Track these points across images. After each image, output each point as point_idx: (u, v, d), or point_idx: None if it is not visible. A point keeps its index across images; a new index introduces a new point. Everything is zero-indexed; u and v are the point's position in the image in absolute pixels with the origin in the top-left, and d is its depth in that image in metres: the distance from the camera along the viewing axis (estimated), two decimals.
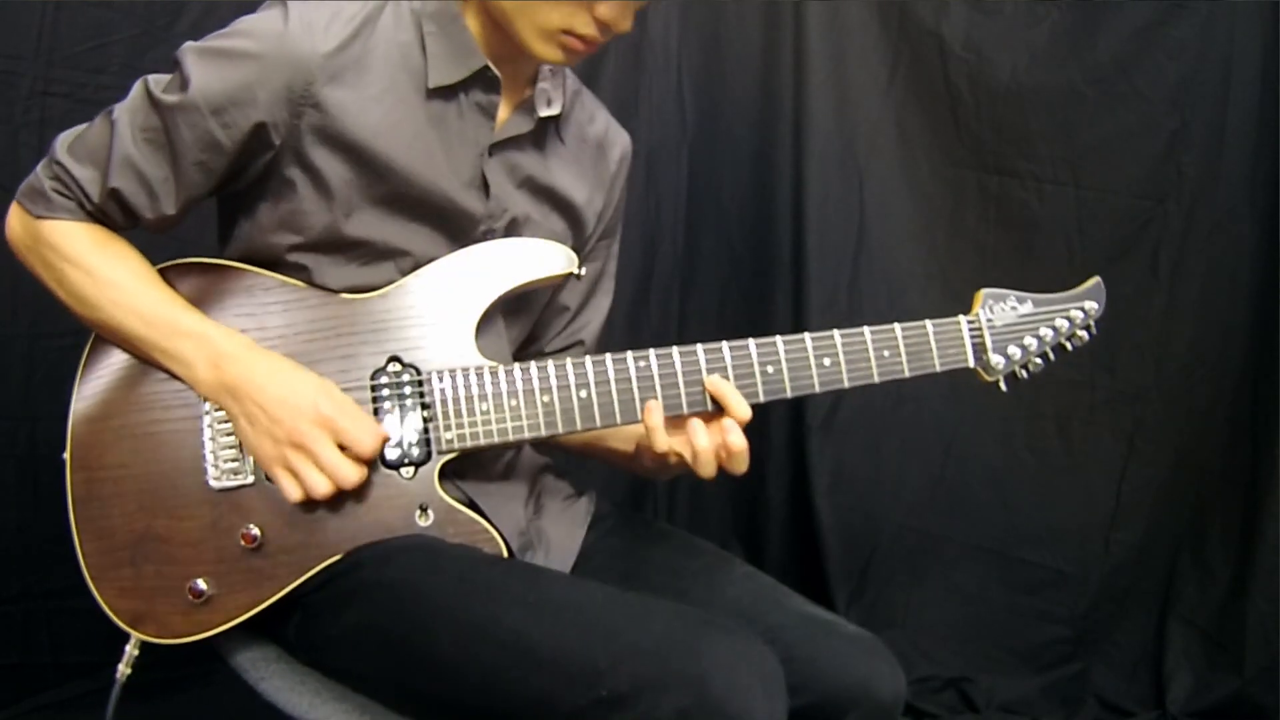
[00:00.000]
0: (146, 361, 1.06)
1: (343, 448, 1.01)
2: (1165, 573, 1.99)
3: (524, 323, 1.20)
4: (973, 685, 1.98)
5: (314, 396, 1.01)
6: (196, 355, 1.02)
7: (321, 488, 1.00)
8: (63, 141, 1.06)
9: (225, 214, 1.13)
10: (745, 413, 1.07)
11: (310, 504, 1.03)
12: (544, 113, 1.13)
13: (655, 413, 1.06)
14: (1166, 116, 1.86)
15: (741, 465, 1.07)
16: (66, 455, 1.05)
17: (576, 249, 1.19)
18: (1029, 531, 2.01)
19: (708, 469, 1.06)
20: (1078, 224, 1.91)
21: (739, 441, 1.06)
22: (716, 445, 1.06)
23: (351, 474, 1.00)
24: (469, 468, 1.11)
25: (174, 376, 1.05)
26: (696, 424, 1.06)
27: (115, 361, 1.07)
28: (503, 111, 1.11)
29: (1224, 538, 1.95)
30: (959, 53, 1.90)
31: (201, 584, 1.02)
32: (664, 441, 1.06)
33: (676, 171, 2.04)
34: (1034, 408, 1.98)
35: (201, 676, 1.67)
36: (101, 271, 1.04)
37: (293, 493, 1.01)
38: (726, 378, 1.08)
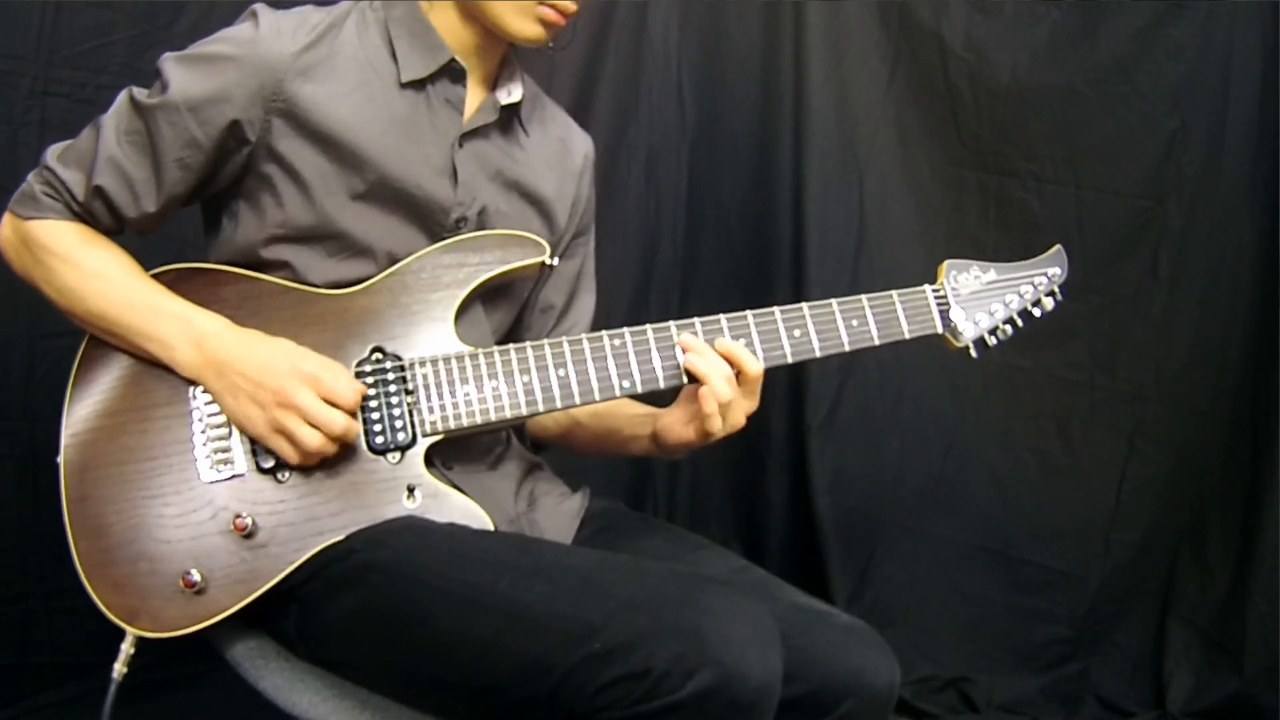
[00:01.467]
0: (132, 351, 1.08)
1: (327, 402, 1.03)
2: (1165, 573, 1.99)
3: (505, 311, 1.23)
4: (973, 685, 1.98)
5: (292, 357, 1.04)
6: (178, 336, 1.06)
7: (313, 441, 1.02)
8: (52, 151, 1.12)
9: (209, 218, 1.17)
10: (757, 367, 1.11)
11: (300, 491, 1.05)
12: (505, 101, 1.19)
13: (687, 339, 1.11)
14: (1166, 116, 1.86)
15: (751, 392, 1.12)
16: (60, 459, 1.06)
17: (553, 243, 1.23)
18: (1029, 531, 2.01)
19: (722, 389, 1.08)
20: (1078, 224, 1.91)
21: (754, 367, 1.10)
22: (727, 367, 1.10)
23: (339, 421, 1.03)
24: (458, 460, 1.13)
25: (158, 364, 1.07)
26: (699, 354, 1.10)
27: (108, 363, 1.09)
28: (469, 107, 1.17)
29: (1224, 538, 1.94)
30: (959, 53, 1.90)
31: (195, 575, 1.02)
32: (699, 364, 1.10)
33: (676, 171, 2.04)
34: (1034, 408, 1.98)
35: (201, 676, 1.67)
36: (86, 263, 1.09)
37: (289, 453, 1.03)
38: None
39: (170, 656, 1.05)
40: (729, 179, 2.04)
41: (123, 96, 1.11)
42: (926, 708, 1.94)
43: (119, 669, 1.07)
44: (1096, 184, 1.90)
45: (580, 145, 1.31)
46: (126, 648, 1.05)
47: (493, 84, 1.21)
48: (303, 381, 1.03)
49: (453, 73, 1.14)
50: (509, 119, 1.21)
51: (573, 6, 1.11)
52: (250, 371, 1.03)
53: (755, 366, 1.11)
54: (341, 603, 1.02)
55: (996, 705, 1.97)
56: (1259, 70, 1.84)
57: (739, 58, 2.00)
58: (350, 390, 1.04)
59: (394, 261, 1.12)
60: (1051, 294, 1.23)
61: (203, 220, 1.18)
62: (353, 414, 1.05)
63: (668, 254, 2.07)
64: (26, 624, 1.71)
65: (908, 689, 1.94)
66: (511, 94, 1.20)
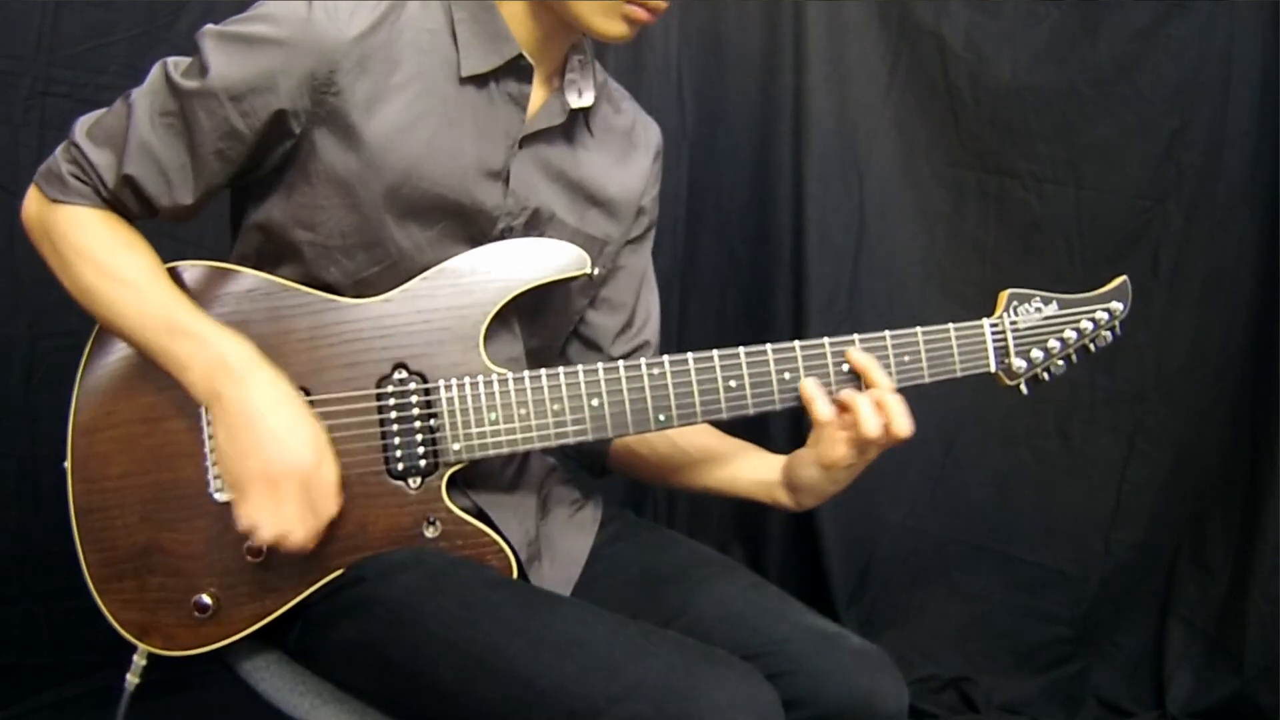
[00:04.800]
0: (147, 358, 1.02)
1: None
2: (1165, 573, 1.99)
3: (550, 325, 1.17)
4: (973, 685, 1.98)
5: (299, 453, 0.95)
6: (193, 358, 0.97)
7: (269, 534, 0.95)
8: (82, 124, 1.04)
9: (238, 202, 1.10)
10: (889, 383, 1.07)
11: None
12: (575, 104, 1.11)
13: (810, 385, 1.07)
14: (1166, 116, 1.86)
15: (902, 426, 1.05)
16: (68, 465, 1.03)
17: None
18: (1029, 531, 2.01)
19: (870, 424, 1.04)
20: (1078, 224, 1.91)
21: (895, 403, 1.05)
22: (873, 401, 1.05)
23: (297, 539, 0.96)
24: (477, 476, 1.09)
25: (171, 375, 1.00)
26: (849, 396, 1.06)
27: (113, 367, 1.04)
28: (533, 104, 1.09)
29: (1224, 538, 1.95)
30: (959, 53, 1.90)
31: (206, 599, 1.01)
32: (826, 409, 1.06)
33: (676, 171, 2.04)
34: (1034, 408, 1.98)
35: (202, 677, 1.67)
36: (108, 265, 1.01)
37: (243, 521, 0.95)
38: (742, 384, 1.06)
39: (175, 660, 1.04)
40: (729, 179, 2.03)
41: (157, 71, 1.01)
42: (926, 708, 1.94)
43: (131, 680, 1.05)
44: (1096, 184, 1.90)
45: (647, 136, 1.23)
46: (138, 659, 1.04)
47: (560, 80, 1.12)
48: (299, 484, 0.95)
49: (519, 69, 1.05)
50: (574, 121, 1.12)
51: (663, 4, 1.02)
52: (256, 431, 0.94)
53: (887, 383, 1.06)
54: (345, 630, 1.01)
55: (996, 705, 1.97)
56: (1259, 70, 1.84)
57: (739, 58, 2.00)
58: (329, 512, 0.98)
59: (429, 265, 1.05)
60: (1111, 329, 1.16)
61: (230, 203, 1.11)
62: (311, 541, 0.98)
63: (668, 254, 2.07)
64: (26, 624, 1.71)
65: (908, 689, 1.94)
66: (583, 95, 1.11)
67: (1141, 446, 1.96)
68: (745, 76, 2.00)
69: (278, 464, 0.94)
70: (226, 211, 1.14)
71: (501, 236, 1.08)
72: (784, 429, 2.05)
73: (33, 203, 1.06)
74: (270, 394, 0.96)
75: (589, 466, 1.29)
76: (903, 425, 1.05)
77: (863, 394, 1.06)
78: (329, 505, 0.98)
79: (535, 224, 1.10)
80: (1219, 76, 1.85)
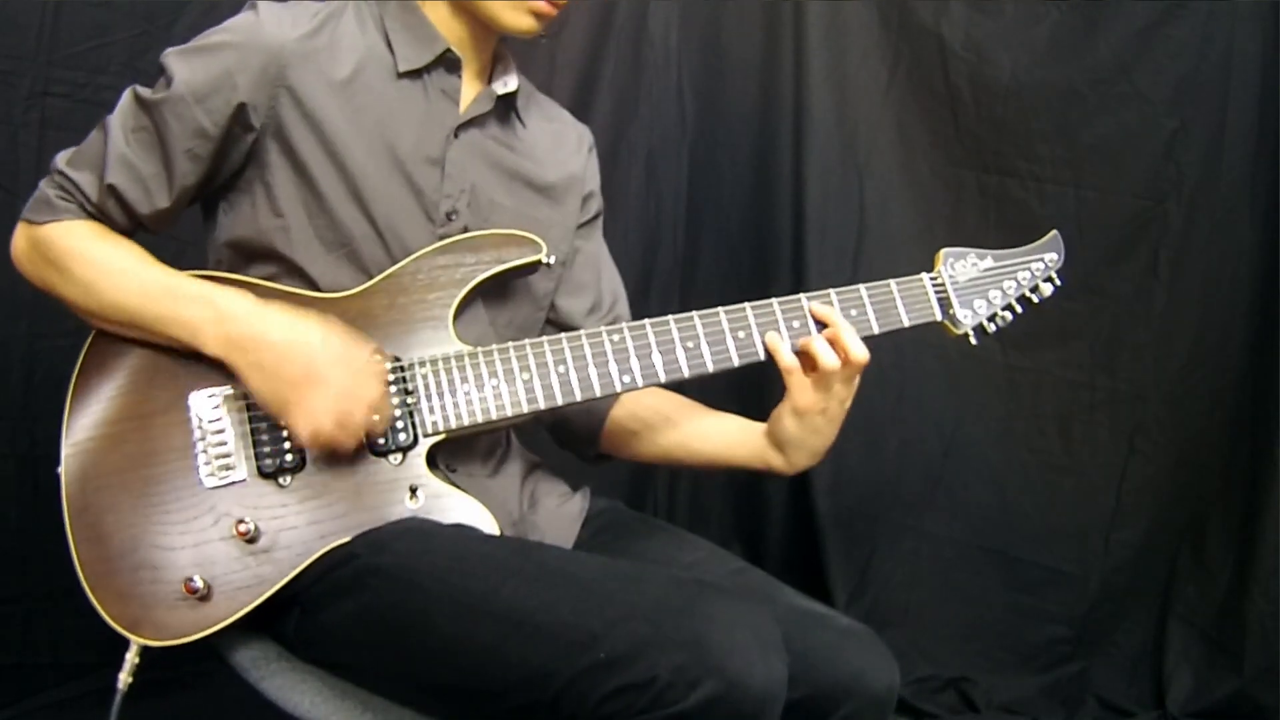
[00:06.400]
0: (156, 342, 1.07)
1: None
2: (1165, 573, 1.99)
3: (516, 309, 1.22)
4: (973, 685, 1.98)
5: (321, 340, 1.03)
6: (201, 316, 1.04)
7: (329, 421, 1.01)
8: (61, 157, 1.12)
9: (208, 210, 1.16)
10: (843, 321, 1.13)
11: (301, 494, 1.05)
12: (501, 91, 1.20)
13: (773, 338, 1.13)
14: (1166, 116, 1.86)
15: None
16: (61, 470, 1.06)
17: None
18: (1029, 531, 2.01)
19: (826, 357, 1.10)
20: (1078, 224, 1.91)
21: (848, 333, 1.11)
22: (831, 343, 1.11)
23: (363, 407, 1.03)
24: (460, 463, 1.13)
25: (183, 349, 1.06)
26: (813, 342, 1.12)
27: (107, 371, 1.09)
28: (466, 98, 1.18)
29: (1224, 538, 1.95)
30: (959, 53, 1.90)
31: (198, 581, 1.02)
32: (789, 357, 1.11)
33: (676, 171, 2.04)
34: (1034, 408, 1.98)
35: (202, 676, 1.67)
36: (100, 257, 1.08)
37: (309, 428, 1.02)
38: (698, 345, 1.12)
39: (171, 656, 1.04)
40: (729, 179, 2.04)
41: (127, 95, 1.11)
42: (926, 708, 1.95)
43: (124, 679, 1.06)
44: (1096, 184, 1.90)
45: (577, 131, 1.33)
46: (131, 657, 1.04)
47: (488, 76, 1.22)
48: (330, 360, 1.02)
49: (448, 63, 1.16)
50: (505, 110, 1.22)
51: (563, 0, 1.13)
52: (277, 346, 1.02)
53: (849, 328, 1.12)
54: (342, 607, 1.02)
55: (996, 705, 1.97)
56: (1259, 70, 1.84)
57: (739, 58, 2.00)
58: (377, 375, 1.05)
59: (390, 254, 1.12)
60: (1049, 279, 1.22)
61: (202, 213, 1.18)
62: (379, 400, 1.05)
63: (668, 254, 2.07)
64: (26, 624, 1.71)
65: (908, 689, 1.94)
66: (507, 84, 1.21)
67: (1141, 446, 1.96)
68: (745, 76, 2.00)
69: (306, 366, 1.02)
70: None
71: (449, 219, 1.16)
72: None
73: (21, 238, 1.13)
74: (271, 320, 1.04)
75: (581, 453, 1.33)
76: (858, 350, 1.11)
77: (817, 334, 1.13)
78: (371, 364, 1.05)
79: (477, 207, 1.18)
80: (1219, 76, 1.85)
